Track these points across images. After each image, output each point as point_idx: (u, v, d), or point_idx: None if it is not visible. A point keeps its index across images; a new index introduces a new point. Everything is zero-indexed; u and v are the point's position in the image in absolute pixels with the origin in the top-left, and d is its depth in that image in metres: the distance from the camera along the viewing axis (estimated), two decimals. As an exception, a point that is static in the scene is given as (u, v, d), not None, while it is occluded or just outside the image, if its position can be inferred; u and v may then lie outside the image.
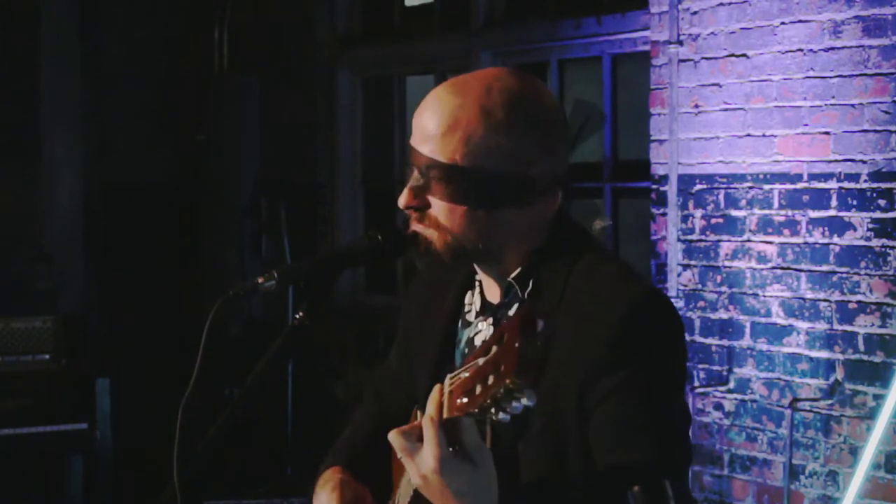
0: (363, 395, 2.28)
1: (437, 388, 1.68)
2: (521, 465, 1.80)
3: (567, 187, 1.91)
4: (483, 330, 1.94)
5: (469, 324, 1.98)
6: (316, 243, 6.38)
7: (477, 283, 1.98)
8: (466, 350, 1.96)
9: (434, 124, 1.84)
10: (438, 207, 1.85)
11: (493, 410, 1.53)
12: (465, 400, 1.58)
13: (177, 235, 6.57)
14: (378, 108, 6.41)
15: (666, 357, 1.83)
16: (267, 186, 5.99)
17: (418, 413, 1.93)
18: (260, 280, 1.91)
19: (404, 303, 2.19)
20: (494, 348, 1.55)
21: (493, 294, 1.95)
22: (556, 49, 5.34)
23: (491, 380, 1.52)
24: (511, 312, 1.90)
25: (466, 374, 1.60)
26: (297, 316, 1.90)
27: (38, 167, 6.45)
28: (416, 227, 1.88)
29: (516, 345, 1.49)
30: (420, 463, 1.65)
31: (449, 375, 1.66)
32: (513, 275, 1.90)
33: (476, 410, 1.56)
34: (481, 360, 1.57)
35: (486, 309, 1.96)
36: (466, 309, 2.00)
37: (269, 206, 5.88)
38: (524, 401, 1.49)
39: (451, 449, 1.63)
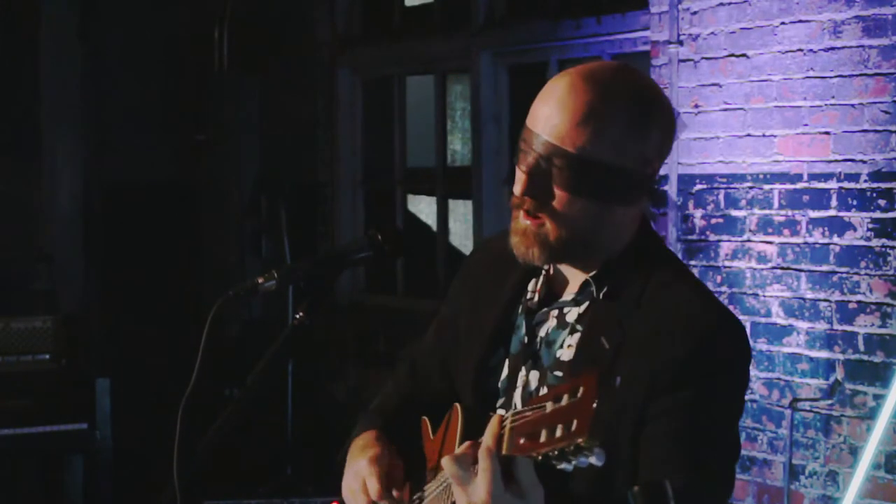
0: (396, 369, 2.25)
1: (496, 418, 1.65)
2: (571, 474, 1.78)
3: (657, 193, 1.91)
4: (546, 322, 1.92)
5: (531, 312, 1.95)
6: (316, 243, 6.38)
7: (543, 273, 1.96)
8: (525, 339, 1.94)
9: (566, 113, 1.80)
10: (558, 198, 1.82)
11: (556, 461, 1.51)
12: (527, 442, 1.57)
13: (177, 235, 6.57)
14: (378, 108, 6.41)
15: (732, 384, 1.83)
16: (267, 186, 5.99)
17: (459, 411, 1.92)
18: (260, 280, 1.91)
19: (457, 280, 2.16)
20: (566, 398, 1.52)
21: (562, 287, 1.93)
22: (555, 49, 5.34)
23: (559, 432, 1.50)
24: (580, 311, 1.89)
25: (530, 415, 1.58)
26: (297, 316, 1.90)
27: (38, 167, 6.46)
28: (524, 221, 1.85)
29: (594, 405, 1.47)
30: (472, 493, 1.64)
31: (512, 412, 1.64)
32: (591, 273, 1.88)
33: (539, 458, 1.54)
34: (549, 407, 1.54)
35: (551, 300, 1.93)
36: (529, 296, 1.97)
37: (269, 206, 5.88)
38: (592, 459, 1.48)
39: (504, 483, 1.61)
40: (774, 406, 4.22)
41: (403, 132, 6.27)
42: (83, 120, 6.57)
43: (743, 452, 4.32)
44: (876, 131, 3.94)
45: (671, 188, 4.50)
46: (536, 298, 1.95)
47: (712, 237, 4.41)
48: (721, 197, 4.38)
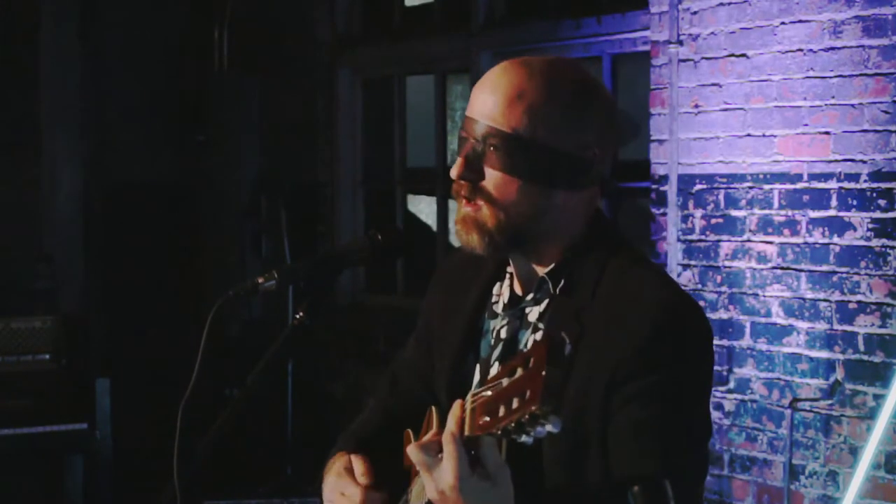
0: (380, 385, 2.26)
1: (457, 403, 1.66)
2: (544, 462, 1.80)
3: (612, 187, 1.91)
4: (509, 323, 1.93)
5: (496, 315, 1.96)
6: (316, 243, 6.38)
7: (507, 276, 1.97)
8: (493, 342, 1.95)
9: (498, 94, 1.83)
10: (493, 179, 1.83)
11: (515, 434, 1.52)
12: (487, 419, 1.58)
13: (177, 235, 6.57)
14: (378, 108, 6.41)
15: (694, 365, 1.82)
16: (267, 186, 5.99)
17: (434, 411, 1.92)
18: (260, 280, 1.91)
19: (428, 292, 2.17)
20: (520, 371, 1.54)
21: (523, 287, 1.94)
22: (555, 49, 5.34)
23: (515, 403, 1.51)
24: (540, 309, 1.89)
25: (489, 394, 1.59)
26: (297, 316, 1.90)
27: (38, 167, 6.45)
28: (465, 209, 1.86)
29: (543, 374, 1.49)
30: (438, 478, 1.64)
31: (471, 393, 1.64)
32: (547, 269, 1.89)
33: (499, 432, 1.55)
34: (505, 381, 1.56)
35: (514, 302, 1.94)
36: (494, 300, 1.98)
37: (269, 206, 5.88)
38: (549, 427, 1.49)
39: (470, 466, 1.62)
40: (774, 406, 4.22)
41: (403, 132, 6.26)
42: (83, 120, 6.57)
43: (743, 452, 4.32)
44: (876, 131, 3.94)
45: (671, 188, 4.50)
46: (501, 302, 1.97)
47: (712, 237, 4.41)
48: (721, 197, 4.38)
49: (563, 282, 1.87)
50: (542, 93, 1.82)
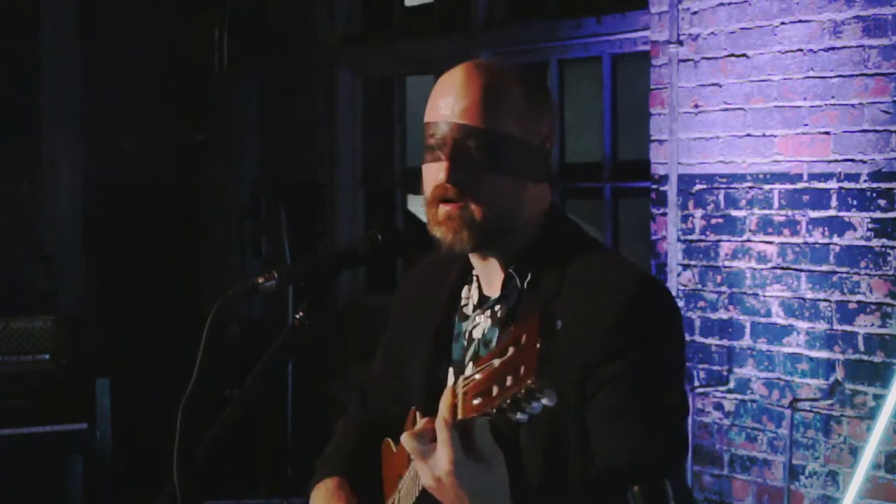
0: (349, 403, 2.28)
1: (448, 389, 1.66)
2: (522, 454, 1.81)
3: (557, 180, 1.96)
4: (481, 323, 1.94)
5: (466, 317, 1.98)
6: (316, 243, 6.37)
7: (474, 278, 1.99)
8: (465, 343, 1.95)
9: (470, 96, 1.87)
10: (481, 177, 1.86)
11: (511, 412, 1.52)
12: (480, 401, 1.58)
13: (176, 235, 6.57)
14: (378, 108, 6.41)
15: (665, 344, 1.84)
16: (267, 186, 5.99)
17: (416, 414, 1.92)
18: (260, 280, 1.91)
19: (393, 305, 2.19)
20: (511, 349, 1.54)
21: (491, 287, 1.96)
22: (556, 49, 5.34)
23: (509, 381, 1.52)
24: (510, 305, 1.91)
25: (480, 376, 1.59)
26: (297, 316, 1.90)
27: (38, 167, 6.45)
28: (446, 208, 1.87)
29: (537, 346, 1.50)
30: (434, 465, 1.64)
31: (462, 377, 1.65)
32: (512, 266, 1.91)
33: (493, 411, 1.55)
34: (497, 362, 1.56)
35: (483, 302, 1.96)
36: (463, 303, 2.00)
37: (269, 206, 5.88)
38: (545, 401, 1.50)
39: (464, 451, 1.62)
40: (774, 406, 4.22)
41: (403, 132, 6.26)
42: (83, 120, 6.57)
43: (743, 452, 4.32)
44: (876, 131, 3.94)
45: (671, 188, 4.50)
46: (470, 304, 1.99)
47: (712, 237, 4.41)
48: (721, 197, 4.38)
49: (529, 276, 1.89)
50: (507, 91, 1.88)
